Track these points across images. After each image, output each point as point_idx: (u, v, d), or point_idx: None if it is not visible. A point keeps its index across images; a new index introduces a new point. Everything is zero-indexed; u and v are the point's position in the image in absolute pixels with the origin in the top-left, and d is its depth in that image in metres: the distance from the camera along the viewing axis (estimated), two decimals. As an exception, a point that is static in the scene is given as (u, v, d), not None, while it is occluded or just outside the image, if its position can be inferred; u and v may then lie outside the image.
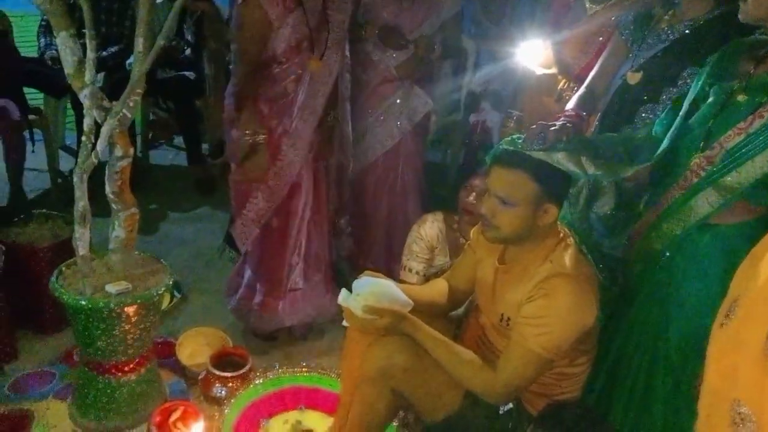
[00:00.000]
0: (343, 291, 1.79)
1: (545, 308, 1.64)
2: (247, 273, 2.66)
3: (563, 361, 1.77)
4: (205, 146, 4.34)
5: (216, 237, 3.46)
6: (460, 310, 2.42)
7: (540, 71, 2.44)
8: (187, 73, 3.99)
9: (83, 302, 1.88)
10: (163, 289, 2.00)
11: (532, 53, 2.47)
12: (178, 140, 4.64)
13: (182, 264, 3.19)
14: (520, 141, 1.69)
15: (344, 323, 1.81)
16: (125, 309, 1.93)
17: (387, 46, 2.77)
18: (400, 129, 2.88)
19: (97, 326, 1.93)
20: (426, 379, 1.78)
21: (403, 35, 2.75)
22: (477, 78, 3.68)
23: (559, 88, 2.38)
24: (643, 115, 1.84)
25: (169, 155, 4.59)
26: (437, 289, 2.03)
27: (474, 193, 2.40)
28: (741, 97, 1.51)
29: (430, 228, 2.55)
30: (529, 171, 1.64)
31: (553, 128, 1.65)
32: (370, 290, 1.76)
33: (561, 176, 1.68)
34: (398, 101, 2.86)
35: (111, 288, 1.93)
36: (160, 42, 1.77)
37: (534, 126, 1.69)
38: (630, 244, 1.77)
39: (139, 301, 1.93)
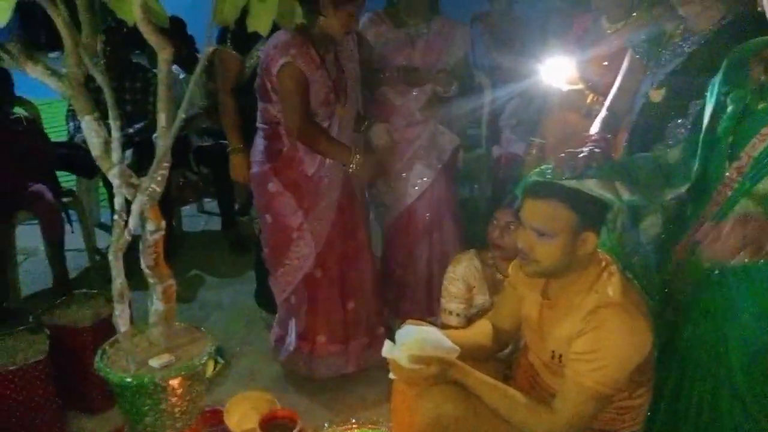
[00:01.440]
0: (387, 342, 1.75)
1: (597, 341, 1.59)
2: (293, 323, 2.70)
3: (623, 394, 1.71)
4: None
5: (253, 298, 3.50)
6: (508, 351, 2.37)
7: (567, 87, 2.43)
8: (224, 142, 4.08)
9: (128, 379, 1.88)
10: (205, 357, 1.98)
11: (558, 70, 2.46)
12: (208, 206, 4.71)
13: (223, 329, 3.18)
14: (549, 171, 1.67)
15: (391, 376, 1.77)
16: (170, 382, 1.91)
17: (409, 84, 2.78)
18: (431, 169, 2.88)
19: (144, 402, 1.92)
20: (478, 425, 1.73)
21: (422, 75, 2.77)
22: (504, 112, 3.68)
23: (588, 102, 2.36)
24: (675, 130, 1.81)
25: (201, 221, 4.66)
26: (482, 331, 1.99)
27: (500, 228, 2.37)
28: (761, 106, 1.47)
29: (465, 267, 2.51)
30: (563, 200, 1.62)
31: (581, 155, 1.63)
32: (414, 339, 1.72)
33: (596, 203, 1.65)
34: (425, 142, 2.86)
35: (154, 362, 1.93)
36: (182, 115, 1.80)
37: (562, 155, 1.67)
38: (677, 264, 1.71)
39: (183, 372, 1.92)
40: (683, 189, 1.60)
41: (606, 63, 2.28)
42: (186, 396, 1.97)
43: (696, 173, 1.59)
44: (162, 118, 1.84)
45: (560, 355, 1.71)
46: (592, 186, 1.59)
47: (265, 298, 3.06)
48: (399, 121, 2.84)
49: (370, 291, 2.78)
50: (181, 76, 4.03)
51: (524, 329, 1.94)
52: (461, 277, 2.49)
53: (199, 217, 4.71)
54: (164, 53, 1.71)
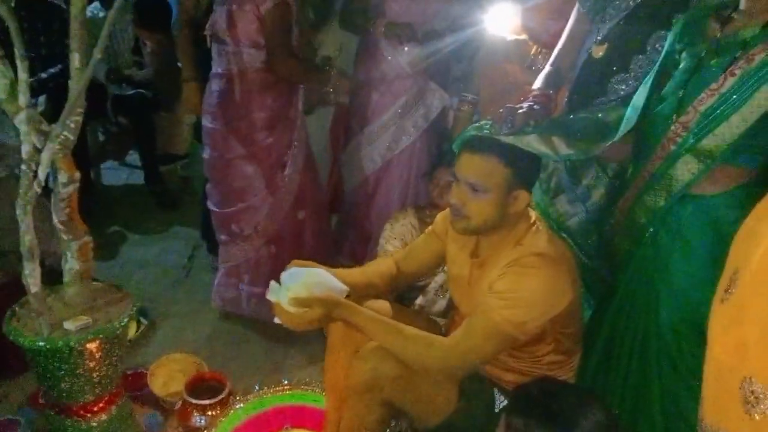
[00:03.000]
0: (272, 284, 1.66)
1: (515, 283, 1.59)
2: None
3: (549, 347, 1.72)
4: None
5: (181, 256, 3.37)
6: (434, 311, 2.36)
7: (511, 37, 2.36)
8: (143, 91, 3.87)
9: (41, 343, 1.74)
10: (126, 319, 1.86)
11: (503, 19, 2.39)
12: (130, 159, 4.47)
13: (147, 288, 3.04)
14: (487, 126, 1.64)
15: (276, 320, 1.68)
16: (87, 346, 1.79)
17: (394, 40, 2.64)
18: (416, 128, 2.76)
19: (59, 367, 1.79)
20: (415, 384, 1.70)
21: (413, 29, 2.62)
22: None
23: (531, 54, 2.31)
24: (616, 86, 1.79)
25: (123, 175, 4.41)
26: (377, 270, 1.94)
27: (439, 187, 2.33)
28: (713, 61, 1.46)
29: (402, 225, 2.47)
30: (500, 156, 1.59)
31: (521, 111, 1.59)
32: (301, 282, 1.64)
33: (532, 160, 1.64)
34: (412, 99, 2.74)
35: (69, 325, 1.79)
36: (97, 55, 1.63)
37: (501, 110, 1.64)
38: (617, 222, 1.72)
39: (101, 335, 1.80)
40: (615, 139, 1.57)
41: (552, 15, 2.23)
42: (105, 360, 1.85)
43: (631, 127, 1.57)
44: (75, 59, 1.68)
45: None
46: (530, 141, 1.57)
47: (211, 231, 2.90)
48: (388, 72, 2.71)
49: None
50: (101, 14, 3.73)
51: (453, 288, 1.93)
52: (398, 235, 2.45)
53: (120, 170, 4.46)
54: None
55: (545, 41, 2.28)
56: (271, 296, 1.65)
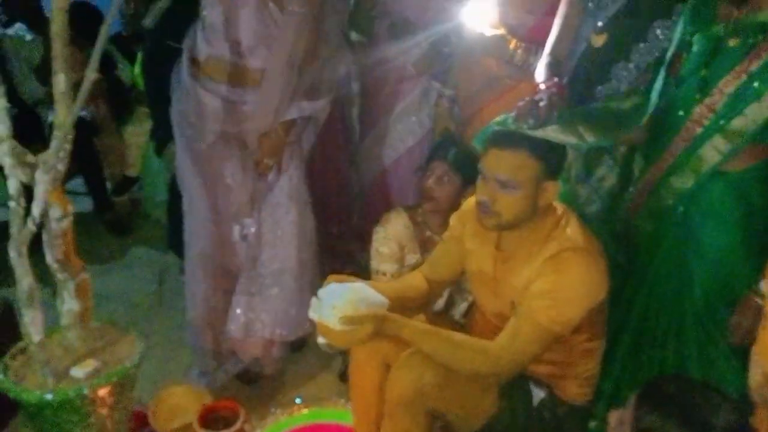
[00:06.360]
0: (313, 301, 1.59)
1: (557, 283, 1.58)
2: None
3: (583, 336, 1.72)
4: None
5: (148, 282, 3.16)
6: (457, 315, 2.33)
7: (491, 32, 2.35)
8: (80, 114, 3.60)
9: (49, 396, 1.59)
10: (138, 357, 1.73)
11: (480, 14, 2.37)
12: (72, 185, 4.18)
13: (119, 321, 2.82)
14: (511, 120, 1.62)
15: (320, 340, 1.61)
16: (98, 392, 1.65)
17: (398, 39, 2.56)
18: (422, 127, 2.71)
19: (69, 420, 1.64)
20: (460, 389, 1.66)
21: (415, 26, 2.56)
22: None
23: (511, 48, 2.31)
24: (618, 72, 1.80)
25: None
26: (411, 284, 1.90)
27: (434, 179, 2.29)
28: (732, 42, 1.49)
29: (395, 226, 2.41)
30: (530, 149, 1.58)
31: (542, 103, 1.59)
32: (346, 299, 1.57)
33: (560, 151, 1.64)
34: (417, 98, 2.68)
35: (77, 371, 1.65)
36: (90, 77, 1.50)
37: (521, 103, 1.63)
38: (634, 206, 1.73)
39: (114, 379, 1.66)
40: (640, 124, 1.60)
41: (528, 7, 2.23)
42: (118, 404, 1.72)
43: (652, 111, 1.60)
44: (61, 81, 1.53)
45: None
46: (557, 133, 1.57)
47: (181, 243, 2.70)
48: (391, 75, 2.64)
49: None
50: (28, 36, 3.47)
51: (475, 285, 1.89)
52: (393, 236, 2.39)
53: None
54: None
55: (524, 35, 2.28)
56: (313, 314, 1.56)
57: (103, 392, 1.66)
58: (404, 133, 2.71)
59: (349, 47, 2.59)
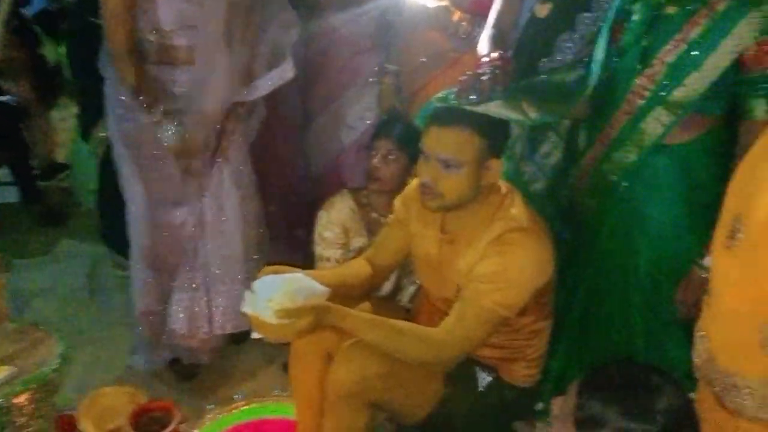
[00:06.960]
0: (247, 295, 1.50)
1: (502, 265, 1.54)
2: None
3: (530, 318, 1.68)
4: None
5: (79, 275, 3.02)
6: (405, 300, 2.26)
7: (434, 3, 2.27)
8: (2, 98, 3.39)
9: (-41, 407, 1.46)
10: (57, 361, 1.61)
11: None
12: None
13: (48, 319, 2.63)
14: (452, 96, 1.55)
15: (254, 335, 1.52)
16: (14, 401, 1.53)
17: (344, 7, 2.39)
18: (372, 111, 2.54)
19: (-17, 431, 1.51)
20: (404, 379, 1.60)
21: None
22: None
23: (455, 20, 2.23)
24: (562, 45, 1.75)
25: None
26: (353, 270, 1.83)
27: (379, 158, 2.21)
28: (671, 10, 1.46)
29: (339, 210, 2.33)
30: (473, 127, 1.51)
31: (485, 77, 1.52)
32: (281, 290, 1.49)
33: (503, 128, 1.59)
34: (375, 73, 2.52)
35: (-9, 379, 1.52)
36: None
37: (463, 78, 1.56)
38: (579, 182, 1.70)
39: (32, 385, 1.54)
40: (584, 101, 1.55)
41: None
42: (39, 412, 1.60)
43: (595, 84, 1.55)
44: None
45: None
46: (500, 109, 1.51)
47: (116, 238, 2.57)
48: (344, 51, 2.47)
49: None
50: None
51: (420, 269, 1.84)
52: (336, 220, 2.30)
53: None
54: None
55: (467, 7, 2.21)
56: (247, 308, 1.47)
57: (20, 400, 1.54)
58: (363, 111, 2.56)
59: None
